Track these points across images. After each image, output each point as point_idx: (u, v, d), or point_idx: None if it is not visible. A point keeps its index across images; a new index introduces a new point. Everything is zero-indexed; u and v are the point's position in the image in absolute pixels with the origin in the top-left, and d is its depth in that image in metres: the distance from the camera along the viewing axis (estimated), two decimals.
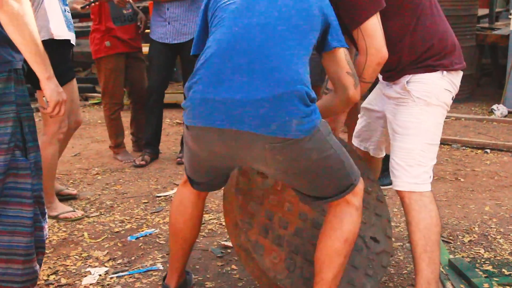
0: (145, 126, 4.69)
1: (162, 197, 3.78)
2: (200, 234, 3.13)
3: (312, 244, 2.29)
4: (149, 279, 2.63)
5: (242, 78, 1.79)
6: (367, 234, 2.50)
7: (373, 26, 2.13)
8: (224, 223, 3.05)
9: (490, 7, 8.33)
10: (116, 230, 3.23)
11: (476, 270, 2.63)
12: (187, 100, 1.89)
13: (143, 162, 4.53)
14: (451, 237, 3.08)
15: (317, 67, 4.18)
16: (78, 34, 3.82)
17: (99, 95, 6.22)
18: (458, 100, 2.28)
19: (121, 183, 4.14)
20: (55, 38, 3.14)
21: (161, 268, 2.74)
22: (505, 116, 6.30)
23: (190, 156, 2.08)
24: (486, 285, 2.45)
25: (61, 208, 3.40)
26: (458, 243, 3.01)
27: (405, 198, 2.26)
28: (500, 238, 3.06)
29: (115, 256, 2.89)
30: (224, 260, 2.82)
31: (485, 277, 2.56)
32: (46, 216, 2.17)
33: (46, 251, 2.63)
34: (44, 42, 2.11)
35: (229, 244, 2.90)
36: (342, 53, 2.07)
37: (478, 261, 2.78)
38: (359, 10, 2.13)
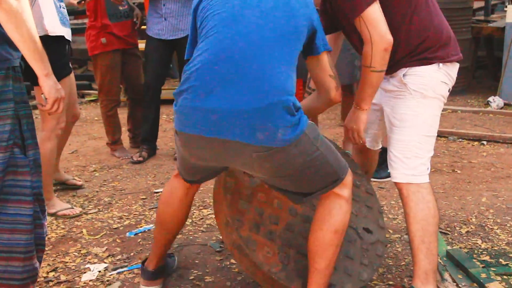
0: (142, 122, 4.69)
1: (160, 193, 3.79)
2: (199, 229, 3.14)
3: (304, 238, 2.33)
4: None
5: (230, 88, 1.85)
6: (359, 225, 2.53)
7: (375, 13, 2.14)
8: None
9: (485, 0, 8.33)
10: (115, 226, 3.24)
11: (474, 260, 2.65)
12: (177, 106, 1.95)
13: (140, 158, 4.54)
14: (448, 229, 3.10)
15: (348, 67, 4.22)
16: (74, 31, 3.82)
17: (96, 92, 6.21)
18: (454, 92, 2.29)
19: (119, 179, 4.15)
20: (50, 34, 3.15)
21: None
22: (501, 108, 6.32)
23: (181, 158, 2.17)
24: (483, 275, 2.47)
25: (59, 206, 3.40)
26: (456, 234, 3.03)
27: (403, 189, 2.27)
28: (497, 229, 3.08)
29: (114, 252, 2.89)
30: (223, 254, 2.83)
31: (483, 267, 2.58)
32: (46, 213, 2.17)
33: (45, 248, 2.64)
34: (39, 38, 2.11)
35: None
36: (326, 57, 2.16)
37: (476, 251, 2.80)
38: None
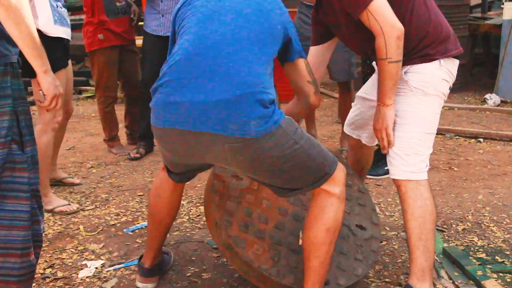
0: (139, 119, 4.68)
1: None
2: (196, 226, 3.15)
3: (295, 236, 2.37)
4: None
5: (204, 82, 1.88)
6: (352, 222, 2.55)
7: (381, 4, 2.14)
8: None
9: None
10: (112, 223, 3.24)
11: (470, 258, 2.66)
12: (153, 102, 1.99)
13: (137, 155, 4.54)
14: (445, 226, 3.11)
15: (344, 65, 4.22)
16: (71, 27, 3.81)
17: (93, 88, 6.21)
18: (451, 89, 2.29)
19: (116, 176, 4.15)
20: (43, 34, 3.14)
21: None
22: (498, 105, 6.34)
23: (161, 153, 2.21)
24: (479, 272, 2.48)
25: (56, 202, 3.40)
26: (452, 232, 3.04)
27: (401, 186, 2.28)
28: (493, 226, 3.09)
29: (111, 249, 2.89)
30: (220, 251, 2.83)
31: (479, 264, 2.59)
32: (43, 209, 2.17)
33: (42, 245, 2.64)
34: None
35: None
36: (303, 63, 2.22)
37: (472, 249, 2.81)
38: None
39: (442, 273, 2.56)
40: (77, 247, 2.92)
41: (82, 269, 2.68)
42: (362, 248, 2.49)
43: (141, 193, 3.72)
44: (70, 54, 3.63)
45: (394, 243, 2.92)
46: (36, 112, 3.37)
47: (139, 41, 4.80)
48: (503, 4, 7.40)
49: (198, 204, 3.48)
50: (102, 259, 2.78)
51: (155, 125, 1.99)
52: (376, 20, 2.14)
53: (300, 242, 2.33)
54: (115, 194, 3.73)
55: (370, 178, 3.92)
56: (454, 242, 2.90)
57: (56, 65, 3.16)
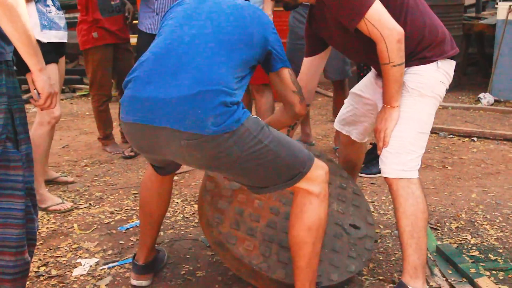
0: None
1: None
2: (190, 224, 3.15)
3: (286, 233, 2.37)
4: None
5: (168, 79, 1.92)
6: (345, 222, 2.56)
7: (378, 10, 2.15)
8: None
9: None
10: (106, 221, 3.24)
11: (463, 255, 2.67)
12: (122, 97, 2.03)
13: (132, 153, 4.53)
14: (438, 224, 3.12)
15: (339, 64, 4.23)
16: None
17: (87, 86, 6.20)
18: None
19: (110, 174, 4.14)
20: None
21: None
22: (492, 105, 6.36)
23: None
24: (472, 270, 2.49)
25: (51, 201, 3.40)
26: (446, 230, 3.05)
27: (392, 185, 2.28)
28: (486, 224, 3.11)
29: (105, 247, 2.89)
30: (213, 249, 2.83)
31: (472, 262, 2.61)
32: (37, 208, 2.17)
33: (36, 243, 2.63)
34: None
35: None
36: (287, 73, 2.25)
37: (465, 247, 2.83)
38: (359, 1, 2.15)
39: (436, 270, 2.57)
40: (71, 245, 2.92)
41: (76, 267, 2.68)
42: (356, 246, 2.51)
43: (135, 192, 3.71)
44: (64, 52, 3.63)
45: (388, 241, 2.93)
46: (29, 111, 3.36)
47: (133, 40, 4.79)
48: (497, 4, 7.42)
49: (193, 203, 3.48)
50: (96, 257, 2.78)
51: (122, 119, 2.03)
52: (375, 27, 2.15)
53: (288, 241, 2.34)
54: (109, 193, 3.73)
55: (364, 177, 3.93)
56: (447, 240, 2.91)
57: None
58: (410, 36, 2.24)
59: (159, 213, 2.45)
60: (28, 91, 5.97)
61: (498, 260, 2.67)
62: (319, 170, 2.08)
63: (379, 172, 3.79)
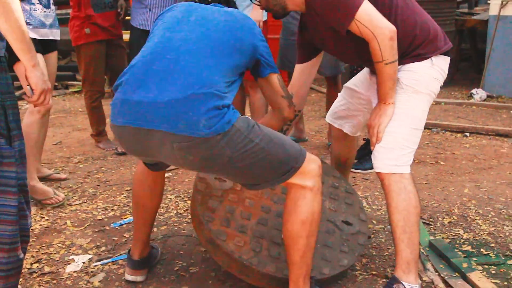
0: None
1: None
2: (184, 220, 3.15)
3: (278, 230, 2.41)
4: None
5: (159, 82, 1.93)
6: (337, 219, 2.58)
7: (367, 10, 2.16)
8: None
9: None
10: (99, 217, 3.23)
11: (456, 250, 2.68)
12: (112, 100, 2.04)
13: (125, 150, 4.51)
14: (431, 219, 3.13)
15: (332, 60, 4.23)
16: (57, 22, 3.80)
17: (80, 83, 6.18)
18: None
19: (104, 171, 4.13)
20: None
21: None
22: (484, 100, 6.39)
23: None
24: (465, 264, 2.50)
25: (43, 194, 3.38)
26: (438, 225, 3.06)
27: (384, 180, 2.29)
28: (478, 219, 3.12)
29: (99, 244, 2.89)
30: (204, 247, 2.83)
31: (464, 257, 2.62)
32: (30, 204, 2.16)
33: (29, 240, 2.63)
34: None
35: None
36: (276, 78, 2.30)
37: (458, 241, 2.84)
38: (347, 4, 2.16)
39: (428, 265, 2.58)
40: (64, 242, 2.91)
41: (69, 264, 2.67)
42: (349, 241, 2.52)
43: (128, 188, 3.71)
44: (57, 48, 3.62)
45: (381, 236, 2.94)
46: (22, 107, 3.35)
47: (126, 36, 4.78)
48: None
49: (186, 199, 3.48)
50: (89, 254, 2.77)
51: (112, 122, 2.04)
52: (366, 27, 2.16)
53: (283, 235, 2.35)
54: (103, 189, 3.72)
55: (358, 172, 3.94)
56: (440, 235, 2.92)
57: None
58: (402, 36, 2.24)
59: (152, 206, 2.45)
60: (20, 87, 5.94)
61: (490, 254, 2.68)
62: (312, 164, 2.09)
63: (372, 168, 3.80)
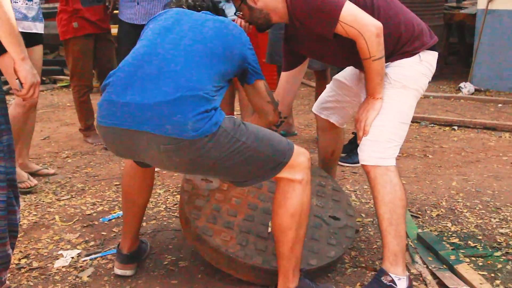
0: None
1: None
2: (173, 214, 3.15)
3: (264, 225, 2.43)
4: None
5: (148, 85, 1.93)
6: (325, 214, 2.59)
7: (350, 10, 2.18)
8: None
9: None
10: (88, 212, 3.22)
11: (444, 243, 2.71)
12: (99, 100, 2.04)
13: None
14: (419, 212, 3.15)
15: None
16: (44, 16, 3.76)
17: (68, 77, 6.13)
18: None
19: (92, 165, 4.12)
20: None
21: None
22: (472, 94, 6.43)
23: None
24: (452, 257, 2.52)
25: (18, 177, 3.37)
26: (427, 218, 3.08)
27: (370, 172, 2.30)
28: (466, 212, 3.14)
29: (87, 239, 2.88)
30: (192, 244, 2.83)
31: (452, 249, 2.64)
32: (19, 199, 2.15)
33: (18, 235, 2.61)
34: None
35: None
36: (262, 85, 2.32)
37: (446, 234, 2.86)
38: (329, 8, 2.18)
39: (417, 258, 2.60)
40: (53, 237, 2.90)
41: (58, 259, 2.66)
42: (336, 235, 2.53)
43: (117, 183, 3.70)
44: (44, 43, 3.59)
45: (369, 229, 2.95)
46: (9, 102, 3.33)
47: (114, 30, 4.75)
48: None
49: (175, 193, 3.47)
50: (78, 249, 2.76)
51: (98, 123, 2.04)
52: (351, 26, 2.18)
53: (269, 230, 2.37)
54: (91, 184, 3.71)
55: (346, 166, 3.96)
56: (428, 228, 2.94)
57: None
58: (387, 36, 2.26)
59: (142, 200, 2.45)
60: (7, 82, 5.89)
61: (477, 246, 2.71)
62: (300, 157, 2.10)
63: None
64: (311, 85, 6.95)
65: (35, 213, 3.22)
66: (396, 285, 2.20)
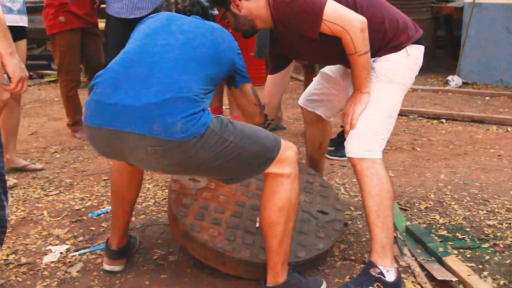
0: None
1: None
2: (162, 209, 3.14)
3: (251, 221, 2.45)
4: None
5: (137, 87, 1.92)
6: (313, 209, 2.61)
7: (332, 8, 2.20)
8: None
9: None
10: (77, 207, 3.21)
11: (432, 235, 2.72)
12: (86, 100, 2.03)
13: None
14: (408, 205, 3.17)
15: None
16: (31, 10, 3.74)
17: (55, 72, 6.10)
18: None
19: (80, 160, 4.10)
20: None
21: None
22: (460, 87, 6.47)
23: None
24: (441, 249, 2.54)
25: None
26: (415, 210, 3.10)
27: (357, 165, 2.31)
28: (454, 204, 3.17)
29: (76, 234, 2.87)
30: (181, 242, 2.83)
31: (440, 241, 2.66)
32: (8, 195, 2.13)
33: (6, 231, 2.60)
34: None
35: None
36: (249, 88, 2.36)
37: (434, 226, 2.88)
38: (311, 8, 2.19)
39: (405, 250, 2.61)
40: (41, 232, 2.89)
41: (46, 254, 2.65)
42: (325, 228, 2.54)
43: (106, 178, 3.68)
44: (31, 38, 3.56)
45: (358, 222, 2.96)
46: None
47: (101, 24, 4.72)
48: None
49: (164, 188, 3.47)
50: (67, 244, 2.75)
51: (85, 123, 2.02)
52: (336, 24, 2.19)
53: (257, 224, 2.38)
54: (80, 179, 3.69)
55: (335, 159, 3.97)
56: (417, 221, 2.96)
57: None
58: (372, 34, 2.27)
59: (131, 196, 2.44)
60: None
61: (465, 238, 2.73)
62: (288, 151, 2.10)
63: None
64: (299, 79, 6.96)
65: (23, 208, 3.20)
66: (384, 277, 2.21)
